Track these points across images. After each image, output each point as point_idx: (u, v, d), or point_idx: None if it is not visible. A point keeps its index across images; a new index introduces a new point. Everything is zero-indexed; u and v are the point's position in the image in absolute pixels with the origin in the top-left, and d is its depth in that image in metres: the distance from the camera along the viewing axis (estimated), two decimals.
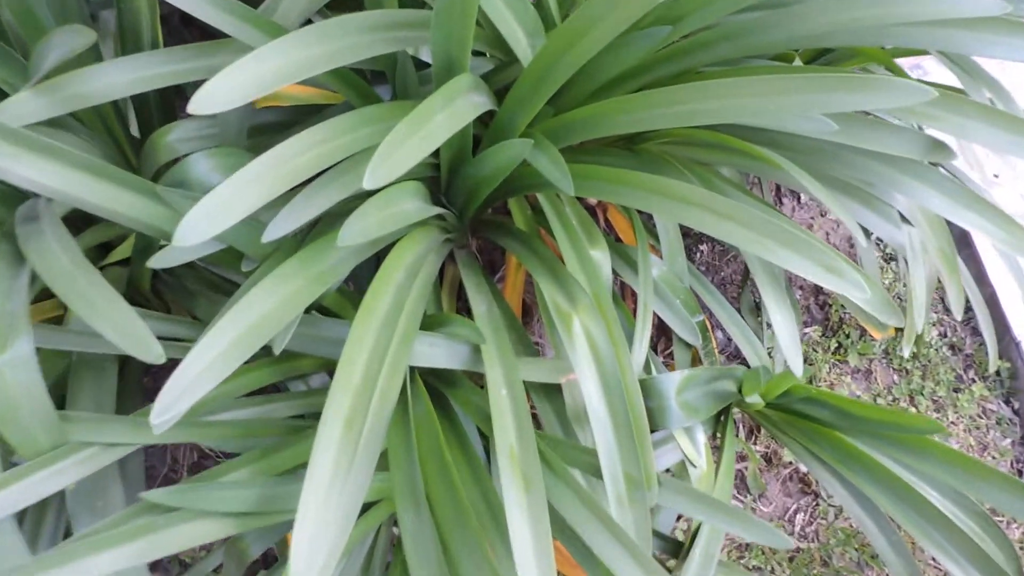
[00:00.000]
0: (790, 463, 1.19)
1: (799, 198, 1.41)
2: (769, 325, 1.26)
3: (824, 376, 1.26)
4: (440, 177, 0.84)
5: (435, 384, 0.79)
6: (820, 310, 1.33)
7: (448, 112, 0.57)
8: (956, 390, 1.27)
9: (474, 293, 0.80)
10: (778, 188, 1.38)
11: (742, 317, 1.06)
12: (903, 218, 0.81)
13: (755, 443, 1.21)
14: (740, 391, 0.91)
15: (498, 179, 0.74)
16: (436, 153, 0.81)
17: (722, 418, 0.93)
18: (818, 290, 1.35)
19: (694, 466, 0.76)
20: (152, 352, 0.51)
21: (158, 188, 0.60)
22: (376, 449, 0.58)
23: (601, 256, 0.81)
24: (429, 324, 0.77)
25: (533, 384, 0.78)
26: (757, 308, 1.29)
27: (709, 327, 0.99)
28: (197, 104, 0.49)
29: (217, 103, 0.50)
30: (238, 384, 0.69)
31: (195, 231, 0.50)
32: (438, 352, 0.72)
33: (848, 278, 0.56)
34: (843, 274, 0.57)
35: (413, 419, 0.64)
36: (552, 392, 0.79)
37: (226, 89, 0.51)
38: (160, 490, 0.54)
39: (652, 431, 0.73)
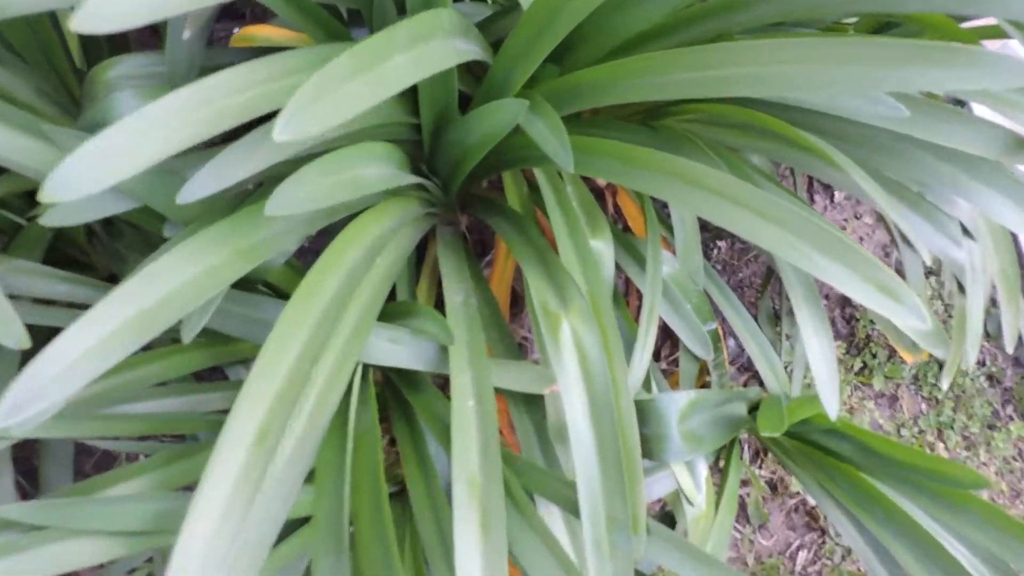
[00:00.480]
0: (797, 493, 1.09)
1: (832, 196, 1.29)
2: (788, 337, 1.16)
3: (844, 399, 1.15)
4: (423, 141, 0.73)
5: (401, 388, 0.68)
6: (846, 324, 1.22)
7: (414, 54, 0.46)
8: (991, 427, 1.16)
9: (451, 279, 0.69)
10: (810, 182, 1.26)
11: (759, 326, 0.95)
12: (964, 230, 0.70)
13: (760, 467, 1.11)
14: (750, 413, 0.81)
15: (486, 147, 0.63)
16: (417, 112, 0.69)
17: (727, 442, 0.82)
18: (845, 301, 1.24)
19: (692, 504, 0.66)
20: (13, 335, 0.41)
21: (45, 127, 0.49)
22: (301, 469, 0.48)
23: (603, 247, 0.70)
24: (394, 314, 0.66)
25: (512, 391, 0.67)
26: (776, 317, 1.17)
27: (721, 334, 0.88)
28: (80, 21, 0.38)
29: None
30: (157, 369, 0.59)
31: (73, 183, 0.39)
32: (401, 350, 0.62)
33: (906, 303, 0.45)
34: (900, 297, 0.46)
35: (353, 434, 0.54)
36: (533, 402, 0.69)
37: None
38: (20, 505, 0.44)
39: (645, 458, 0.62)
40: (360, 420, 0.56)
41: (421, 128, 0.70)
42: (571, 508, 0.57)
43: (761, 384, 1.19)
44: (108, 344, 0.42)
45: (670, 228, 0.91)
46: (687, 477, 0.67)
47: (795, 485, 1.08)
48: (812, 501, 1.07)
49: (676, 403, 0.61)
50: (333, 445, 0.53)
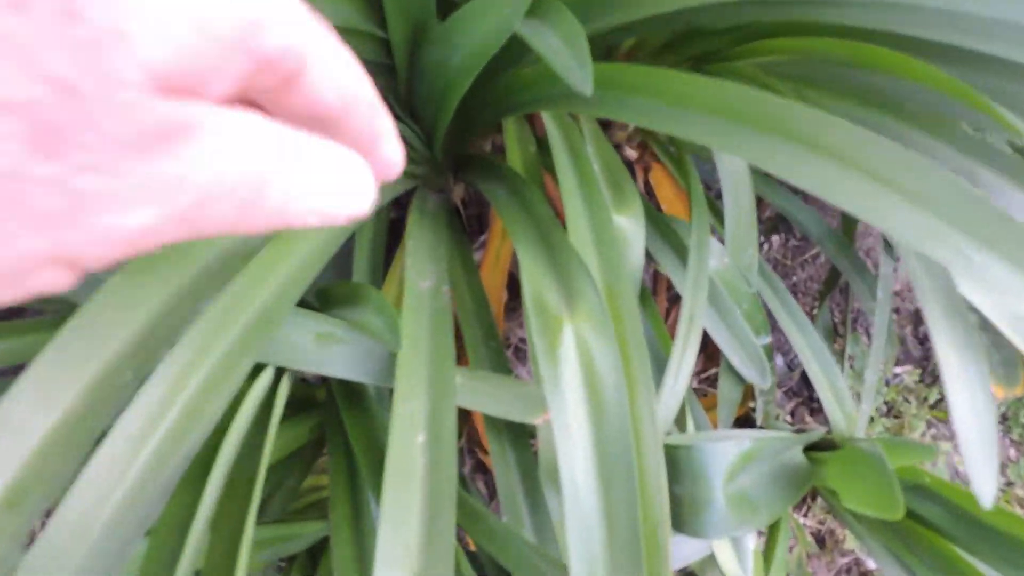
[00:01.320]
0: (851, 552, 0.90)
1: None
2: (851, 359, 0.97)
3: (915, 436, 0.96)
4: (395, 66, 0.55)
5: (340, 404, 0.51)
6: (919, 345, 1.03)
7: None
8: None
9: (419, 258, 0.52)
10: None
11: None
12: None
13: (805, 515, 0.92)
14: (807, 455, 0.63)
15: (475, 69, 0.46)
16: (384, 22, 0.52)
17: None
18: (918, 317, 1.05)
19: None
20: None
21: None
22: (128, 537, 0.31)
23: (631, 226, 0.52)
24: (334, 299, 0.49)
25: (493, 418, 0.50)
26: (835, 332, 0.99)
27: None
28: None
29: None
30: None
31: None
32: (330, 353, 0.44)
33: None
34: None
35: (227, 467, 0.37)
36: (522, 435, 0.51)
37: None
38: None
39: (674, 530, 0.44)
40: (251, 452, 0.39)
41: (391, 46, 0.52)
42: None
43: (811, 413, 1.00)
44: None
45: (716, 214, 0.73)
46: (729, 554, 0.49)
47: (850, 541, 0.89)
48: (872, 564, 0.89)
49: (725, 455, 0.43)
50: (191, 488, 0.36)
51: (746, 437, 0.45)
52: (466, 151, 0.70)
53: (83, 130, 0.11)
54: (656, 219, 0.61)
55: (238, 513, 0.36)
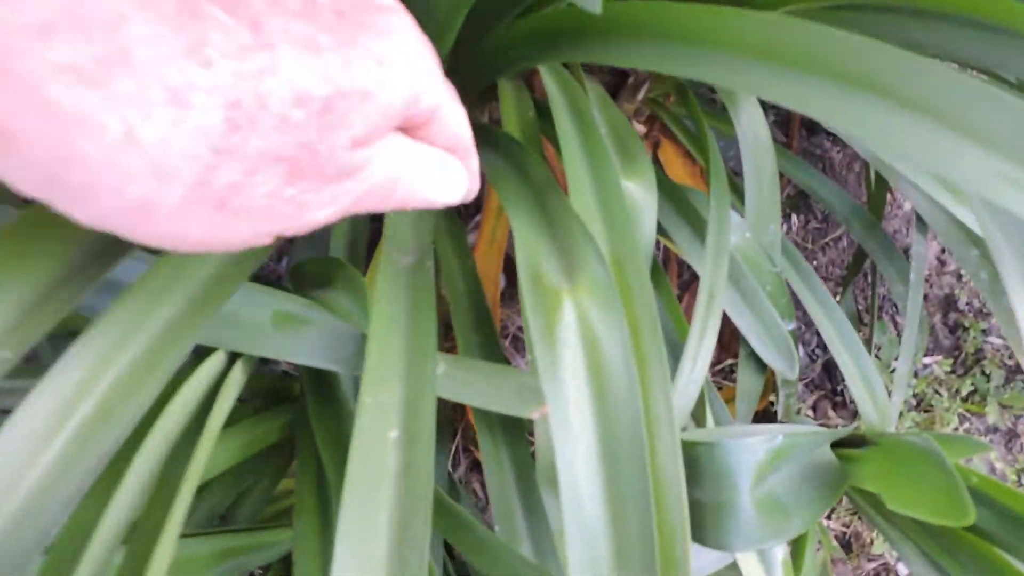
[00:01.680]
0: (879, 556, 0.84)
1: None
2: (878, 348, 0.90)
3: (947, 431, 0.90)
4: None
5: (308, 396, 0.45)
6: (949, 334, 0.96)
7: None
8: None
9: (400, 230, 0.46)
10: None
11: None
12: None
13: (829, 516, 0.86)
14: (837, 452, 0.56)
15: (463, 7, 0.40)
16: None
17: None
18: (948, 303, 0.98)
19: None
20: None
21: None
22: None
23: (641, 193, 0.46)
24: (300, 275, 0.43)
25: (485, 412, 0.44)
26: (859, 320, 0.92)
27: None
28: None
29: None
30: None
31: None
32: (300, 335, 0.38)
33: None
34: None
35: (157, 473, 0.31)
36: (517, 432, 0.45)
37: None
38: None
39: (694, 542, 0.38)
40: (180, 452, 0.33)
41: None
42: None
43: (833, 408, 0.94)
44: None
45: (734, 191, 0.67)
46: (754, 564, 0.43)
47: (878, 546, 0.83)
48: (903, 571, 0.82)
49: (753, 454, 0.37)
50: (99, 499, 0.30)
51: (777, 432, 0.39)
52: None
53: (313, 171, 0.19)
54: (669, 189, 0.54)
55: (161, 523, 0.30)
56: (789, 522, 0.38)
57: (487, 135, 0.55)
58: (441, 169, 0.24)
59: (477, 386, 0.41)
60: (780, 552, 0.45)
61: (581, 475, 0.33)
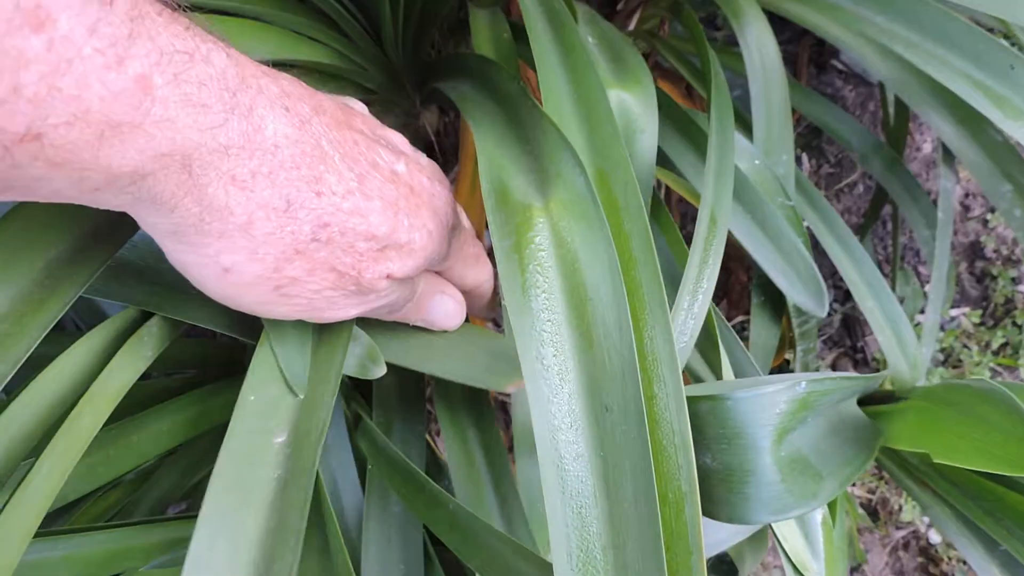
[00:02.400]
0: (908, 524, 0.77)
1: None
2: (902, 300, 0.83)
3: None
4: None
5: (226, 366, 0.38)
6: (976, 283, 0.89)
7: None
8: None
9: None
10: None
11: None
12: None
13: (854, 485, 0.79)
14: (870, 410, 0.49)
15: None
16: None
17: None
18: (974, 251, 0.91)
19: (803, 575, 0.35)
20: None
21: None
22: None
23: (635, 103, 0.39)
24: None
25: (455, 389, 0.36)
26: (880, 270, 0.85)
27: None
28: None
29: None
30: None
31: None
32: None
33: None
34: None
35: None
36: (484, 411, 0.38)
37: None
38: None
39: (706, 516, 0.32)
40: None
41: None
42: None
43: (854, 365, 0.87)
44: None
45: (744, 121, 0.59)
46: (796, 533, 0.36)
47: (907, 512, 0.76)
48: (935, 538, 0.75)
49: (773, 405, 0.29)
50: None
51: (803, 379, 0.32)
52: (428, 58, 0.58)
53: (353, 283, 0.27)
54: (670, 109, 0.47)
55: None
56: (820, 485, 0.31)
57: (458, 62, 0.47)
58: (440, 304, 0.34)
59: (438, 351, 0.34)
60: (819, 516, 0.38)
61: (563, 434, 0.26)
